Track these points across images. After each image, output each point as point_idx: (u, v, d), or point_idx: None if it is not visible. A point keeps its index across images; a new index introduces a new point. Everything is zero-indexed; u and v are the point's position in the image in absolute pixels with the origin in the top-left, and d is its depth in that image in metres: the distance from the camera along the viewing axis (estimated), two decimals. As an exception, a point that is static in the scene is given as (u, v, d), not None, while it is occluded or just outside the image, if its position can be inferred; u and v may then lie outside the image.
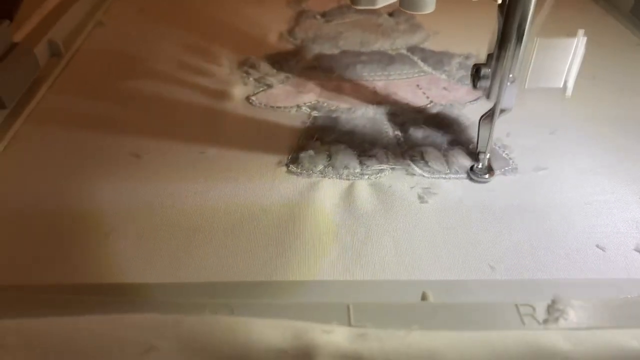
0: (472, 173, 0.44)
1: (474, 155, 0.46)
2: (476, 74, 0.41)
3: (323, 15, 0.72)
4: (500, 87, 0.40)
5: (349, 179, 0.44)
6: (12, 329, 0.27)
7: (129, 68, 0.59)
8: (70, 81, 0.57)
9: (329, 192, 0.42)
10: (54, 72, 0.58)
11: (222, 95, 0.55)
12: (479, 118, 0.43)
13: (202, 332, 0.27)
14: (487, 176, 0.44)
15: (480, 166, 0.44)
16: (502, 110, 0.41)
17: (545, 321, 0.30)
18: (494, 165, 0.45)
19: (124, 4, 0.75)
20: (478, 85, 0.41)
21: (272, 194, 0.42)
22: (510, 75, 0.39)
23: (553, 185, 0.43)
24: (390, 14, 0.71)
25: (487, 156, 0.44)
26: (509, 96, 0.40)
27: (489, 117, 0.42)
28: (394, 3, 0.39)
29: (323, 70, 0.59)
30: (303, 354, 0.26)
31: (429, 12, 0.37)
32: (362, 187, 0.43)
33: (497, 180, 0.44)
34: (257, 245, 0.38)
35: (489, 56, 0.41)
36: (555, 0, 0.77)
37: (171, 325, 0.27)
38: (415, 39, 0.65)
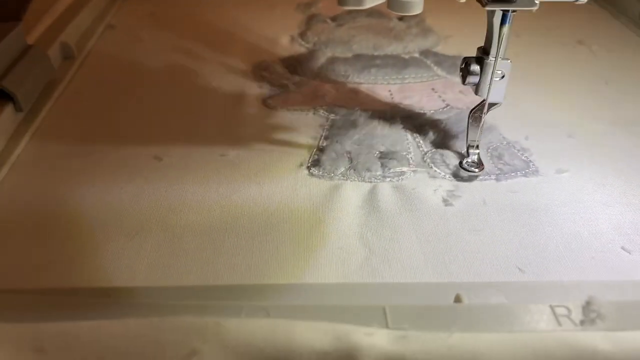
0: (461, 167, 0.44)
1: (495, 158, 0.46)
2: (465, 68, 0.41)
3: (333, 19, 0.72)
4: (490, 82, 0.41)
5: (371, 182, 0.44)
6: (50, 332, 0.26)
7: (142, 72, 0.59)
8: (84, 84, 0.57)
9: (352, 194, 0.42)
10: (67, 75, 0.57)
11: (239, 98, 0.55)
12: (469, 113, 0.44)
13: (244, 335, 0.27)
14: (476, 170, 0.44)
15: (469, 160, 0.44)
16: (491, 105, 0.42)
17: (582, 322, 0.30)
18: (514, 167, 0.45)
19: (134, 7, 0.75)
20: (467, 80, 0.41)
21: (296, 197, 0.42)
22: (499, 71, 0.40)
23: (575, 187, 0.43)
24: (401, 18, 0.71)
25: (478, 151, 0.44)
26: (498, 91, 0.41)
27: (478, 111, 0.43)
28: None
29: (338, 74, 0.59)
30: (346, 356, 0.26)
31: (416, 13, 0.38)
32: (385, 190, 0.43)
33: (519, 182, 0.44)
34: (284, 248, 0.37)
35: (479, 49, 0.41)
36: (561, 5, 0.78)
37: (212, 328, 0.27)
38: (427, 43, 0.65)
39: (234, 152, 0.47)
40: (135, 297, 0.34)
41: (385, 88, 0.57)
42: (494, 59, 0.40)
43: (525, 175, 0.45)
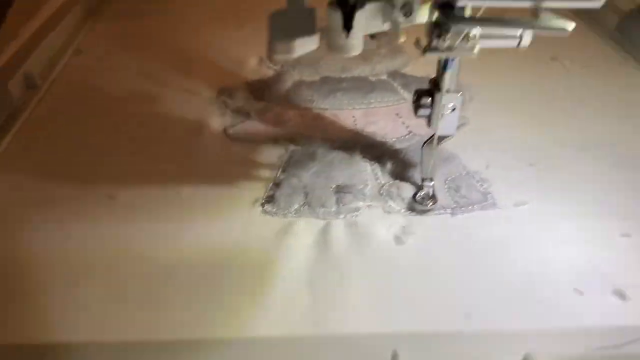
0: (414, 202, 0.43)
1: (453, 190, 0.45)
2: (417, 101, 0.40)
3: (304, 38, 0.71)
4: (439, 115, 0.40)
5: (325, 219, 0.43)
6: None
7: (104, 100, 0.58)
8: (45, 117, 0.56)
9: (304, 234, 0.42)
10: (29, 107, 0.57)
11: (200, 127, 0.54)
12: (422, 145, 0.43)
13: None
14: (430, 204, 0.43)
15: (423, 194, 0.44)
16: (443, 137, 0.42)
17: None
18: (471, 200, 0.44)
19: (104, 28, 0.75)
20: (419, 113, 0.40)
21: (247, 238, 0.41)
22: (451, 104, 0.39)
23: (532, 222, 0.43)
24: (372, 36, 0.70)
25: (432, 184, 0.43)
26: (449, 123, 0.41)
27: (430, 144, 0.42)
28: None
29: (303, 99, 0.58)
30: None
31: (355, 54, 0.37)
32: (338, 228, 0.42)
33: (476, 217, 0.43)
34: (230, 296, 0.37)
35: (430, 81, 0.41)
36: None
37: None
38: (396, 64, 0.64)
39: (189, 188, 0.46)
40: (75, 355, 0.34)
41: (350, 113, 0.56)
42: (443, 92, 0.40)
43: (482, 208, 0.44)
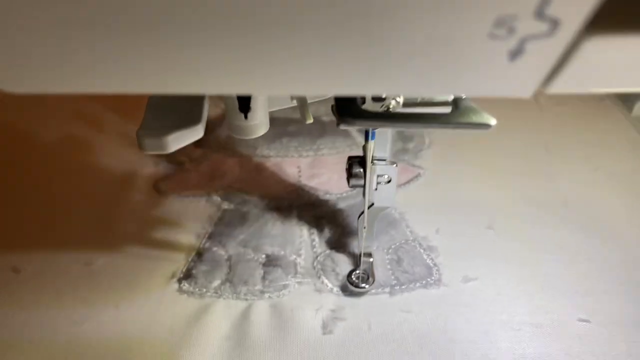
0: (348, 281, 0.39)
1: (394, 262, 0.40)
2: (349, 169, 0.35)
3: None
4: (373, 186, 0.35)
5: (247, 299, 0.38)
6: None
7: (31, 147, 0.54)
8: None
9: (221, 319, 0.37)
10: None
11: (129, 180, 0.49)
12: (358, 217, 0.38)
13: None
14: (366, 285, 0.38)
15: (358, 274, 0.39)
16: (381, 209, 0.37)
17: None
18: (414, 275, 0.39)
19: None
20: (351, 182, 0.35)
21: (155, 326, 0.37)
22: (386, 175, 0.35)
23: (481, 302, 0.38)
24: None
25: (371, 260, 0.39)
26: (385, 195, 0.36)
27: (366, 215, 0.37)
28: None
29: (246, 144, 0.53)
30: None
31: (260, 135, 0.33)
32: (261, 312, 0.37)
33: (416, 297, 0.38)
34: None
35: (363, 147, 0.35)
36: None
37: None
38: (353, 100, 0.59)
39: (102, 258, 0.41)
40: None
41: (295, 163, 0.51)
42: (369, 164, 0.35)
43: (424, 286, 0.39)
